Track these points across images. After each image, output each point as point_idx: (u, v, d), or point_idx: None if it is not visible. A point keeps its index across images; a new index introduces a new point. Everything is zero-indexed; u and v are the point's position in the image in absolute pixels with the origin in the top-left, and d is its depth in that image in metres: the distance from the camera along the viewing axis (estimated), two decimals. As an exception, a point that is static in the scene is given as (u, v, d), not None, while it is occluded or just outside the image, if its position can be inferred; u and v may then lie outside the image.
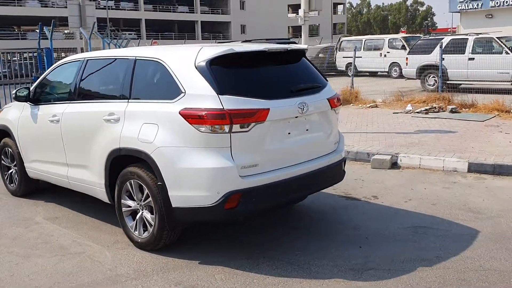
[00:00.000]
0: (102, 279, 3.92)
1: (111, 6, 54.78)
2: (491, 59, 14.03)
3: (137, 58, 4.59)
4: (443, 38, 15.75)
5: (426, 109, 11.23)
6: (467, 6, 30.88)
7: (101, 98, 4.94)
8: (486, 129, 9.10)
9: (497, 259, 4.08)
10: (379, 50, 22.99)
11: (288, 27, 67.72)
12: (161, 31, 59.16)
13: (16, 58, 14.23)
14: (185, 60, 4.19)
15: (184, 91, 4.03)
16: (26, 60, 13.84)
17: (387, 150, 7.54)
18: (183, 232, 4.47)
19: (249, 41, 5.13)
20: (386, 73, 22.48)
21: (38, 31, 14.41)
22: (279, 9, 60.29)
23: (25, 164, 5.92)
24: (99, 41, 17.61)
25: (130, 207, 4.49)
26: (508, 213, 5.13)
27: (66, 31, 41.14)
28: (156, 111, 4.17)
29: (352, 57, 16.42)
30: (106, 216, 5.22)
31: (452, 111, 10.89)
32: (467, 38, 15.18)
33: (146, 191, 4.25)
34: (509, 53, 14.17)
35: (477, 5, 30.43)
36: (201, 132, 3.88)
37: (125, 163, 4.45)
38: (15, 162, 6.13)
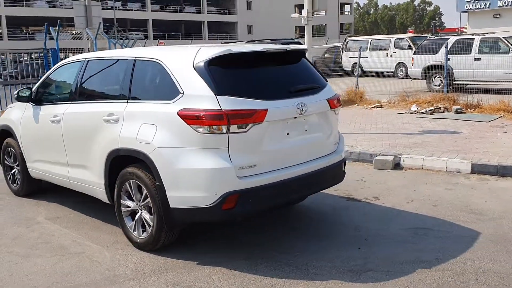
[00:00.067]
0: (100, 279, 3.94)
1: (119, 7, 55.10)
2: (498, 59, 13.88)
3: (136, 58, 4.60)
4: (449, 38, 15.64)
5: (431, 110, 11.17)
6: (475, 6, 30.72)
7: (101, 98, 4.96)
8: (491, 129, 9.03)
9: (497, 261, 4.04)
10: (385, 50, 22.89)
11: (295, 27, 67.62)
12: (168, 32, 59.35)
13: (23, 59, 14.31)
14: (183, 60, 4.19)
15: (182, 92, 4.04)
16: (33, 61, 13.92)
17: (390, 151, 7.50)
18: (181, 233, 4.47)
19: (254, 41, 5.13)
20: (392, 73, 22.39)
21: (44, 31, 14.50)
22: (286, 9, 60.17)
23: (27, 164, 5.96)
24: (105, 42, 17.67)
25: (129, 207, 4.51)
26: (510, 215, 5.08)
27: (73, 32, 41.33)
28: (154, 111, 4.18)
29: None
30: (106, 216, 5.23)
31: (457, 112, 10.82)
32: (473, 38, 15.06)
33: (144, 191, 4.26)
34: (515, 53, 14.05)
35: (485, 4, 30.27)
36: (199, 132, 3.88)
37: (124, 164, 4.46)
38: (17, 162, 6.17)
